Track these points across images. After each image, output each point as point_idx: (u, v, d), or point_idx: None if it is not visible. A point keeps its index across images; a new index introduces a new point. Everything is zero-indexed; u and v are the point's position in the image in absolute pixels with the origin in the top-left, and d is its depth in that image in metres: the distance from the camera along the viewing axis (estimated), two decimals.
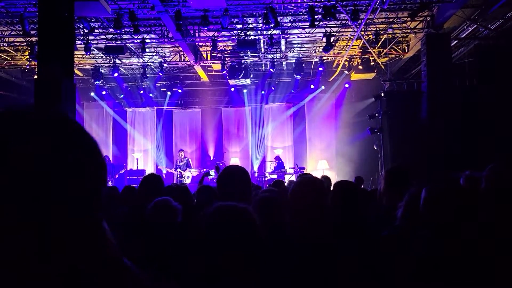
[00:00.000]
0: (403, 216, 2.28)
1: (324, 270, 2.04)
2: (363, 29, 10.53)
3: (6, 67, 12.98)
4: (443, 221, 1.86)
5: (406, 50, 12.33)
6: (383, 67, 12.92)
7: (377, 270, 2.13)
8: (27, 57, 11.85)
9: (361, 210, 2.57)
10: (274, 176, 12.38)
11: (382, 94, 11.23)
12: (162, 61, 12.95)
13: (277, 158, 13.49)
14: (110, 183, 12.19)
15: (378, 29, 10.69)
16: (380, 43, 11.31)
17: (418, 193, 2.07)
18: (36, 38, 8.56)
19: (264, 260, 1.64)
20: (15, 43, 11.48)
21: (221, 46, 12.09)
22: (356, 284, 2.07)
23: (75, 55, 10.86)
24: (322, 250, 2.11)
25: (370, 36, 11.20)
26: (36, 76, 7.50)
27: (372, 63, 12.63)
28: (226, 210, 1.54)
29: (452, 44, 10.54)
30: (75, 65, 10.64)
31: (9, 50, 11.94)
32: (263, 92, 14.64)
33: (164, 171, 13.62)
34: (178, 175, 12.79)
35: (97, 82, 13.53)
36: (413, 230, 2.06)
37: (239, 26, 10.80)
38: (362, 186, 9.11)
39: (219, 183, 2.55)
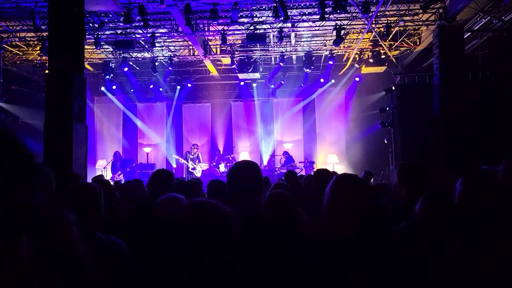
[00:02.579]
0: (422, 210, 2.23)
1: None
2: (374, 22, 10.40)
3: (17, 62, 13.11)
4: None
5: (418, 43, 12.16)
6: (394, 60, 12.77)
7: (387, 266, 2.10)
8: (38, 51, 11.96)
9: (364, 205, 2.52)
10: (284, 171, 12.36)
11: (393, 88, 11.08)
12: (172, 55, 12.96)
13: (285, 153, 13.48)
14: (121, 177, 12.31)
15: (389, 21, 10.55)
16: (391, 36, 11.17)
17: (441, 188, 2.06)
18: (47, 33, 8.61)
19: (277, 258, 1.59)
20: (26, 38, 11.57)
21: (230, 40, 12.05)
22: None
23: (85, 50, 10.94)
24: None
25: (381, 28, 11.07)
26: (47, 71, 7.55)
27: (383, 56, 12.48)
28: (197, 206, 1.41)
29: (465, 36, 10.37)
30: (85, 59, 10.70)
31: (21, 45, 12.05)
32: (272, 86, 14.57)
33: (174, 165, 13.67)
34: (191, 168, 12.79)
35: (107, 77, 13.60)
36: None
37: (249, 19, 10.75)
38: (372, 180, 9.06)
39: (229, 179, 2.37)
